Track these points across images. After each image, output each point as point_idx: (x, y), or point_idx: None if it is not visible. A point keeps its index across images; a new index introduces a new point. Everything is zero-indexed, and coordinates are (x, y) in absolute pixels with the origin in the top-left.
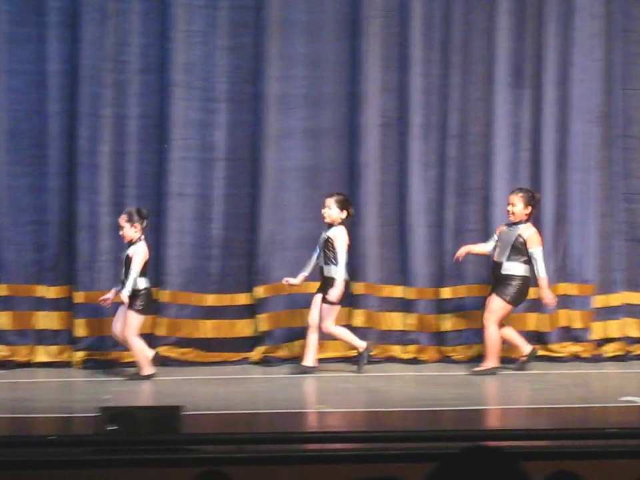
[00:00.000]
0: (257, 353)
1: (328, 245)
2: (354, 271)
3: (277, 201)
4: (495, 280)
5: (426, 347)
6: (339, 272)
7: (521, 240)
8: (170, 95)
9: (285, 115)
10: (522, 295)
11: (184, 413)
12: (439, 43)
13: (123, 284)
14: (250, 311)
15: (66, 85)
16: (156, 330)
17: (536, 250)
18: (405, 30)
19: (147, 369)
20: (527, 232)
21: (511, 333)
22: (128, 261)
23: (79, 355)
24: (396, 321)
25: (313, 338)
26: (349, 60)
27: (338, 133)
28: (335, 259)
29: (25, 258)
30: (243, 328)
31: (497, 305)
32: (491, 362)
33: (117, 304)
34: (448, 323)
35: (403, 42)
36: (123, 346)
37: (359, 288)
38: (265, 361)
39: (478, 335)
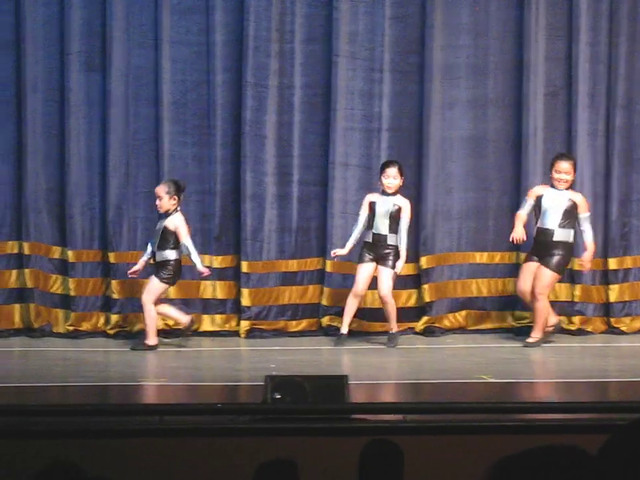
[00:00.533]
0: (421, 323)
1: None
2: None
3: (442, 172)
4: (543, 247)
5: (591, 318)
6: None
7: (573, 205)
8: (335, 65)
9: (449, 84)
10: (568, 264)
11: (349, 382)
12: (606, 11)
13: (154, 254)
14: (415, 281)
15: (231, 55)
16: (322, 300)
17: (588, 215)
18: None
19: (152, 339)
20: (577, 197)
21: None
22: (165, 232)
23: (245, 324)
24: (562, 291)
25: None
26: (515, 29)
27: (503, 102)
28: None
29: (191, 228)
30: (407, 298)
31: (548, 278)
32: (540, 333)
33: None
34: (613, 294)
35: (569, 10)
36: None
37: (521, 258)
38: (428, 331)
39: None
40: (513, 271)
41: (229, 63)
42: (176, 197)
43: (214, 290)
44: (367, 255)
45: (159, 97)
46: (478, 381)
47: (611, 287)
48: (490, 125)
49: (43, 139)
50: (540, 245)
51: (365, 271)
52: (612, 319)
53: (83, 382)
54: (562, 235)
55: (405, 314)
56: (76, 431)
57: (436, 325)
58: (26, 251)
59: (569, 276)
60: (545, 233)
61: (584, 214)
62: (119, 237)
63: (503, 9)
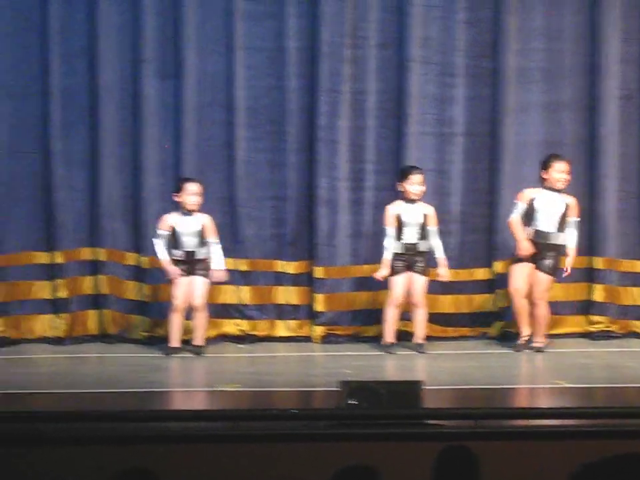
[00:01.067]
0: (495, 328)
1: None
2: (593, 245)
3: (516, 176)
4: (540, 250)
5: None
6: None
7: (567, 208)
8: (408, 70)
9: (523, 88)
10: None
11: (424, 387)
12: None
13: (188, 253)
14: (489, 286)
15: (304, 61)
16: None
17: (577, 220)
18: None
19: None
20: (571, 200)
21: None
22: (203, 230)
23: (319, 330)
24: (636, 295)
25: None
26: (588, 32)
27: (577, 105)
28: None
29: (265, 233)
30: (481, 303)
31: (547, 283)
32: (543, 337)
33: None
34: None
35: None
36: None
37: (597, 263)
38: (503, 336)
39: None
40: (588, 275)
41: (302, 68)
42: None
43: (288, 295)
44: (399, 264)
45: (233, 103)
46: (554, 386)
47: None
48: (564, 129)
49: (117, 146)
50: (537, 248)
51: (401, 281)
52: None
53: (158, 388)
54: (558, 237)
55: (479, 319)
56: (151, 436)
57: (510, 329)
58: (101, 257)
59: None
60: (542, 236)
61: (574, 218)
62: None
63: (576, 12)
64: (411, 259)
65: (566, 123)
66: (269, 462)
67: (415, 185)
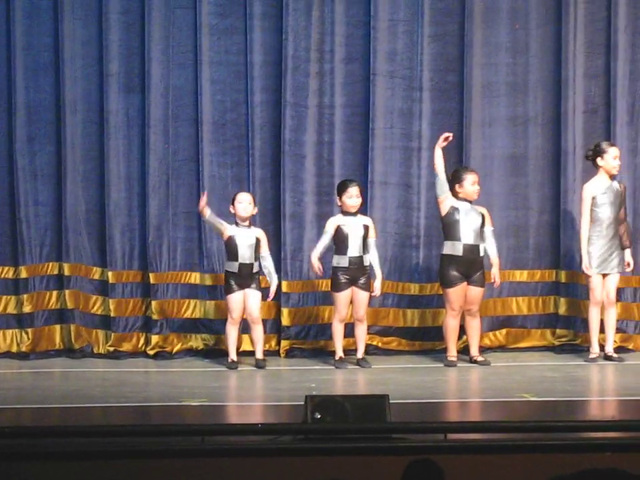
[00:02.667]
0: (461, 342)
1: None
2: (559, 258)
3: (482, 190)
4: (471, 264)
5: (632, 336)
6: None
7: (484, 218)
8: (374, 84)
9: (489, 102)
10: None
11: (390, 401)
12: None
13: (247, 266)
14: None
15: (270, 75)
16: None
17: (491, 228)
18: (610, 15)
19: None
20: (484, 210)
21: None
22: (257, 242)
23: (285, 344)
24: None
25: None
26: (554, 46)
27: (543, 120)
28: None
29: None
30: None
31: (481, 296)
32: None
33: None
34: None
35: (607, 27)
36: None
37: (562, 276)
38: (466, 350)
39: None
40: (553, 288)
41: (268, 83)
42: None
43: None
44: (344, 279)
45: (199, 117)
46: (520, 399)
47: None
48: (530, 143)
49: (82, 160)
50: (468, 262)
51: (346, 296)
52: None
53: (123, 402)
54: (482, 249)
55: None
56: (117, 451)
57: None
58: (66, 272)
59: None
60: (470, 250)
61: (490, 226)
62: (158, 257)
63: (542, 26)
64: (355, 274)
65: (531, 136)
66: (235, 477)
67: (353, 197)
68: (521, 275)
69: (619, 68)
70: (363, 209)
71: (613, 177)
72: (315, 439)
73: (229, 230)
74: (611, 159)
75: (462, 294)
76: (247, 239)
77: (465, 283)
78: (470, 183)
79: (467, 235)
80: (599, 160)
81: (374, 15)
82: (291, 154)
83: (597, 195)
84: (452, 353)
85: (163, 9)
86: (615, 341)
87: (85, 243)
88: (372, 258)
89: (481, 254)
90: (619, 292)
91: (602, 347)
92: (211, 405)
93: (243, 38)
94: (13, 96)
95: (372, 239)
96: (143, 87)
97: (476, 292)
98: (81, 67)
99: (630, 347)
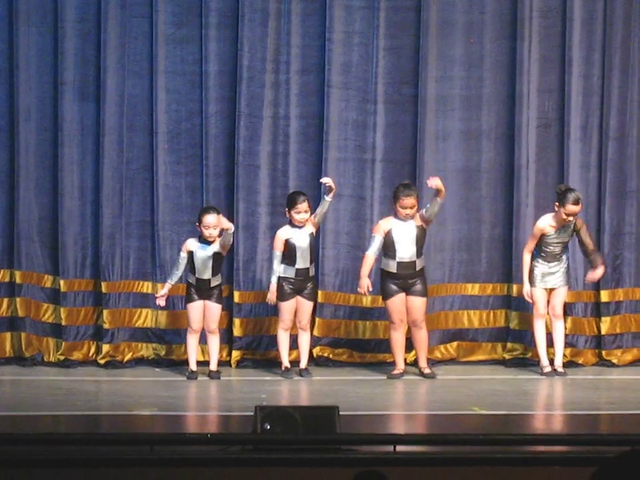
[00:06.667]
0: (411, 355)
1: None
2: (510, 272)
3: None
4: (411, 278)
5: (582, 351)
6: None
7: (421, 232)
8: (328, 96)
9: (443, 116)
10: None
11: (340, 412)
12: (599, 43)
13: (203, 281)
14: None
15: (225, 85)
16: (313, 330)
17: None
18: (564, 31)
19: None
20: (420, 223)
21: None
22: (217, 257)
23: (236, 354)
24: (548, 323)
25: None
26: (508, 61)
27: (496, 134)
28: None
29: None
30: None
31: (423, 306)
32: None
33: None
34: (605, 327)
35: (562, 43)
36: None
37: (514, 290)
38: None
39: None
40: (505, 302)
41: (223, 92)
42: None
43: None
44: (289, 289)
45: (153, 126)
46: (469, 412)
47: (603, 319)
48: (483, 157)
49: (36, 168)
50: (408, 277)
51: (290, 305)
52: (603, 352)
53: (73, 411)
54: (420, 263)
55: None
56: (67, 460)
57: (427, 356)
58: (18, 279)
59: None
60: (407, 266)
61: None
62: (111, 266)
63: (497, 40)
64: (300, 285)
65: (485, 150)
66: None
67: (301, 213)
68: (473, 288)
69: (573, 83)
70: None
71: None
72: (264, 450)
73: (188, 244)
74: (564, 213)
75: (400, 305)
76: (205, 255)
77: (404, 294)
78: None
79: (402, 252)
80: (558, 203)
81: (329, 27)
82: (245, 164)
83: (547, 233)
84: (398, 366)
85: (119, 18)
86: (565, 355)
87: (37, 251)
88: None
89: (418, 268)
90: (570, 307)
91: (552, 361)
92: (161, 414)
93: (199, 48)
94: None
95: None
96: (98, 96)
97: (416, 302)
98: (35, 74)
99: (580, 362)
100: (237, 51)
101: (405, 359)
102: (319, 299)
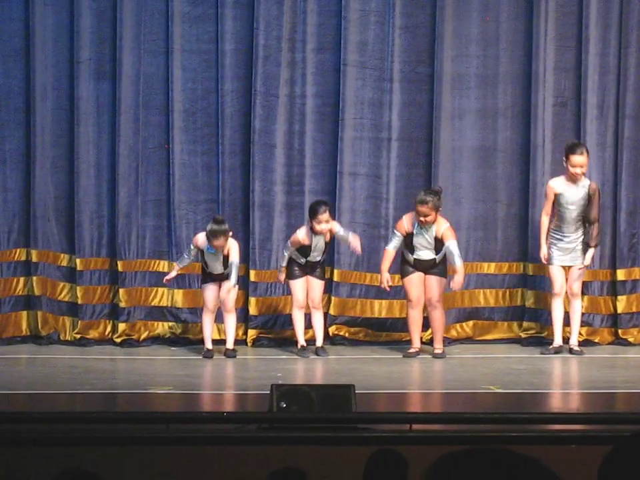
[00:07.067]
0: (428, 333)
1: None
2: (527, 251)
3: (451, 182)
4: (426, 267)
5: (599, 329)
6: None
7: (439, 238)
8: (344, 75)
9: (459, 94)
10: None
11: (356, 391)
12: (615, 22)
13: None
14: None
15: (241, 64)
16: (329, 309)
17: (452, 243)
18: (581, 9)
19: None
20: (441, 230)
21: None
22: (225, 258)
23: (252, 333)
24: (566, 302)
25: None
26: (524, 39)
27: (512, 112)
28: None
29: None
30: None
31: (437, 285)
32: (441, 344)
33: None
34: (621, 305)
35: (579, 21)
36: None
37: (530, 269)
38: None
39: None
40: (521, 281)
41: (239, 71)
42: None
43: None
44: (298, 269)
45: (169, 105)
46: (485, 391)
47: (619, 297)
48: (499, 135)
49: (52, 147)
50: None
51: (301, 284)
52: (619, 330)
53: (89, 390)
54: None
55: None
56: (83, 438)
57: (444, 335)
58: (34, 258)
59: None
60: (426, 262)
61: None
62: (127, 245)
63: (513, 19)
64: (309, 268)
65: (501, 129)
66: (200, 464)
67: (322, 223)
68: (489, 267)
69: (589, 62)
70: (331, 199)
71: (575, 180)
72: (280, 428)
73: (199, 241)
74: (570, 166)
75: (418, 283)
76: (214, 257)
77: (422, 273)
78: (417, 212)
79: (420, 253)
80: (565, 158)
81: (345, 5)
82: (261, 143)
83: (557, 193)
84: (414, 345)
85: None
86: (580, 334)
87: (53, 230)
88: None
89: (437, 262)
90: (586, 285)
91: (567, 340)
92: (176, 392)
93: (215, 26)
94: None
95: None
96: (114, 74)
97: (432, 281)
98: (51, 53)
99: (596, 340)
100: (252, 29)
101: (421, 338)
102: (335, 278)
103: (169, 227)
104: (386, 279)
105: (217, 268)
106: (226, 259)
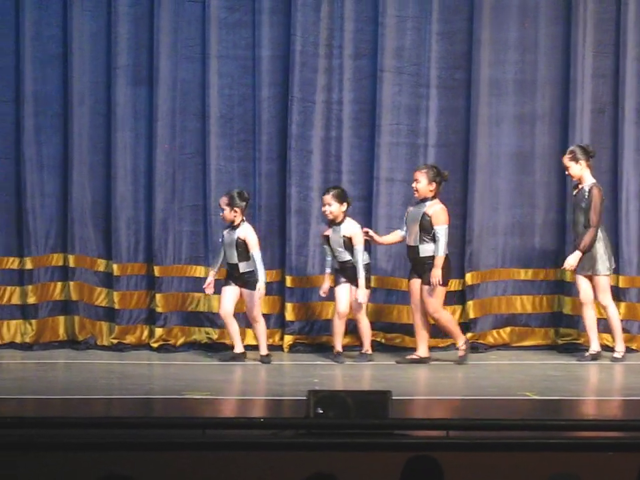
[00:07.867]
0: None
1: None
2: (562, 258)
3: (488, 187)
4: (414, 264)
5: (636, 336)
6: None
7: (427, 218)
8: (381, 81)
9: (496, 100)
10: (448, 274)
11: (392, 397)
12: None
13: (232, 266)
14: (459, 297)
15: (278, 70)
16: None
17: (440, 228)
18: (619, 15)
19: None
20: (432, 209)
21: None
22: (239, 243)
23: (288, 339)
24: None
25: None
26: (562, 45)
27: (550, 118)
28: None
29: None
30: (452, 314)
31: (441, 294)
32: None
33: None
34: None
35: (616, 27)
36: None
37: (566, 275)
38: (472, 347)
39: None
40: (558, 287)
41: (276, 77)
42: (237, 209)
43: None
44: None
45: (206, 111)
46: (521, 397)
47: None
48: (536, 141)
49: (90, 152)
50: (411, 262)
51: (344, 292)
52: None
53: (126, 395)
54: (424, 250)
55: None
56: (119, 443)
57: (480, 341)
58: (71, 263)
59: (614, 294)
60: (409, 250)
61: (437, 226)
62: (164, 250)
63: (551, 25)
64: (347, 274)
65: (538, 135)
66: (236, 470)
67: (325, 205)
68: (526, 274)
69: (627, 67)
70: (368, 205)
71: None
72: (316, 434)
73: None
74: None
75: (413, 289)
76: (230, 238)
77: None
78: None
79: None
80: None
81: (382, 12)
82: (298, 149)
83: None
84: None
85: (172, 2)
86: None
87: (90, 235)
88: (355, 261)
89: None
90: (624, 292)
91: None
92: (213, 398)
93: (252, 32)
94: (21, 87)
95: (356, 246)
96: (151, 80)
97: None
98: (89, 58)
99: (633, 347)
100: (289, 35)
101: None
102: (372, 284)
103: (205, 232)
104: (372, 234)
105: (232, 255)
106: (240, 245)
